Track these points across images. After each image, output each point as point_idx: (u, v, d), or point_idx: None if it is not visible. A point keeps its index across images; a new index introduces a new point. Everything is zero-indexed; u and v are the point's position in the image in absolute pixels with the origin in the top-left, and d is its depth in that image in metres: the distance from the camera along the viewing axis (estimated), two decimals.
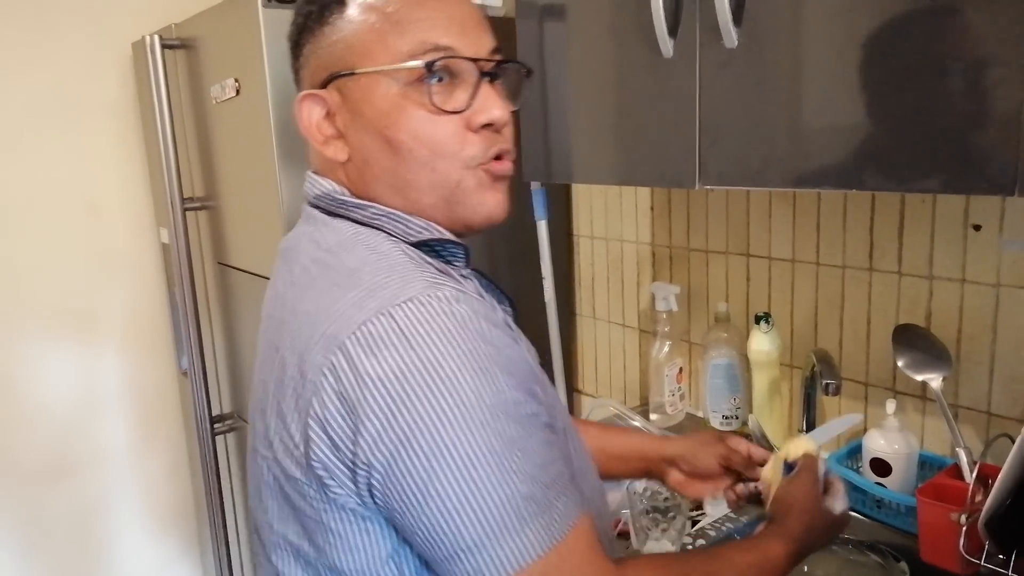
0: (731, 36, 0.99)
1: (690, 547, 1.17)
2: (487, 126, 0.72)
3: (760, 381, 1.41)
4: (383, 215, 0.72)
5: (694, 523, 1.25)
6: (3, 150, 1.84)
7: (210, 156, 1.67)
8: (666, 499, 1.15)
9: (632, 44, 1.13)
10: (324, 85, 0.73)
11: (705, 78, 1.04)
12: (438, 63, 0.69)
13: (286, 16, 1.33)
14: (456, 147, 0.71)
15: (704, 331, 1.55)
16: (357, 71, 0.70)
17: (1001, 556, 0.90)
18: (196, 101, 1.66)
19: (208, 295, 1.84)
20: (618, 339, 1.79)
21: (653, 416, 1.61)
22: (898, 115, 0.85)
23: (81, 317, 1.99)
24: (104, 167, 1.97)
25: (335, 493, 0.64)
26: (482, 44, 0.72)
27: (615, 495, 1.48)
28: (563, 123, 1.29)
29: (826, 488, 0.89)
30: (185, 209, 1.69)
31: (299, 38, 0.76)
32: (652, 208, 1.65)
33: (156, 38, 1.60)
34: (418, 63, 0.69)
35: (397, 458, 0.60)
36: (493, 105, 0.71)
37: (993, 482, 0.91)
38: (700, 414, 1.60)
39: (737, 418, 1.49)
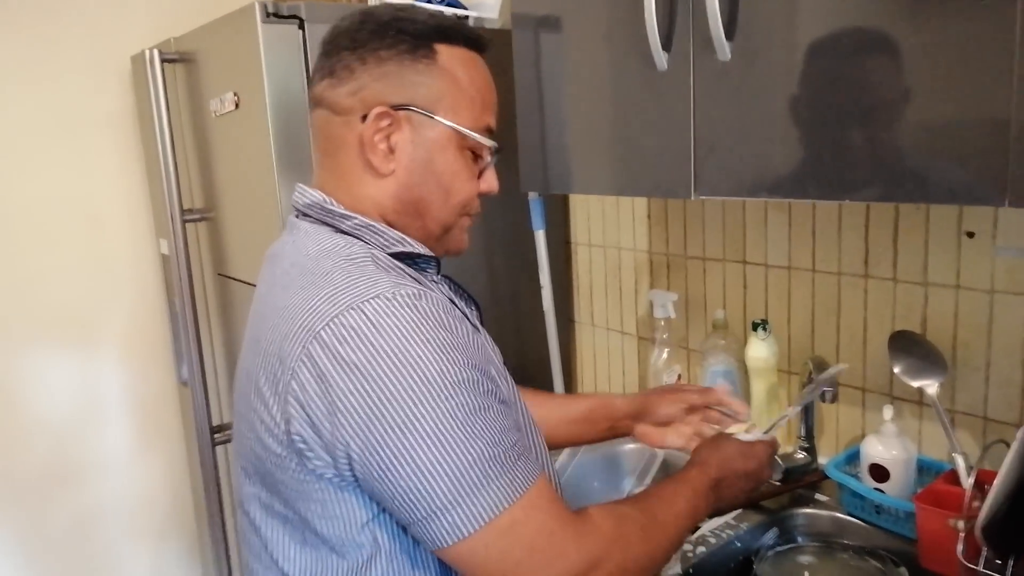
0: (724, 49, 1.00)
1: (690, 554, 1.18)
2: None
3: (758, 388, 1.42)
4: (364, 226, 0.81)
5: (694, 530, 1.25)
6: (5, 162, 1.85)
7: (210, 168, 1.68)
8: None
9: (627, 56, 1.14)
10: (395, 108, 0.80)
11: (699, 90, 1.05)
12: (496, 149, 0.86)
13: (285, 31, 1.37)
14: (469, 202, 0.87)
15: (702, 338, 1.56)
16: (436, 116, 0.81)
17: (998, 561, 0.91)
18: (195, 114, 1.67)
19: (208, 306, 1.85)
20: (616, 346, 1.80)
21: None
22: (891, 126, 0.86)
23: (82, 327, 2.00)
24: (104, 179, 1.98)
25: (314, 465, 0.73)
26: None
27: None
28: (560, 134, 1.30)
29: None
30: (185, 220, 1.70)
31: (377, 55, 0.81)
32: (649, 216, 1.66)
33: (156, 52, 1.60)
34: (492, 144, 0.85)
35: (372, 431, 0.68)
36: (495, 181, 0.88)
37: (990, 487, 0.91)
38: None
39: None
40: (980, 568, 0.91)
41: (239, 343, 1.71)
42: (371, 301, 0.70)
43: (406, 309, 0.70)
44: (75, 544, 2.06)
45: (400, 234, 0.82)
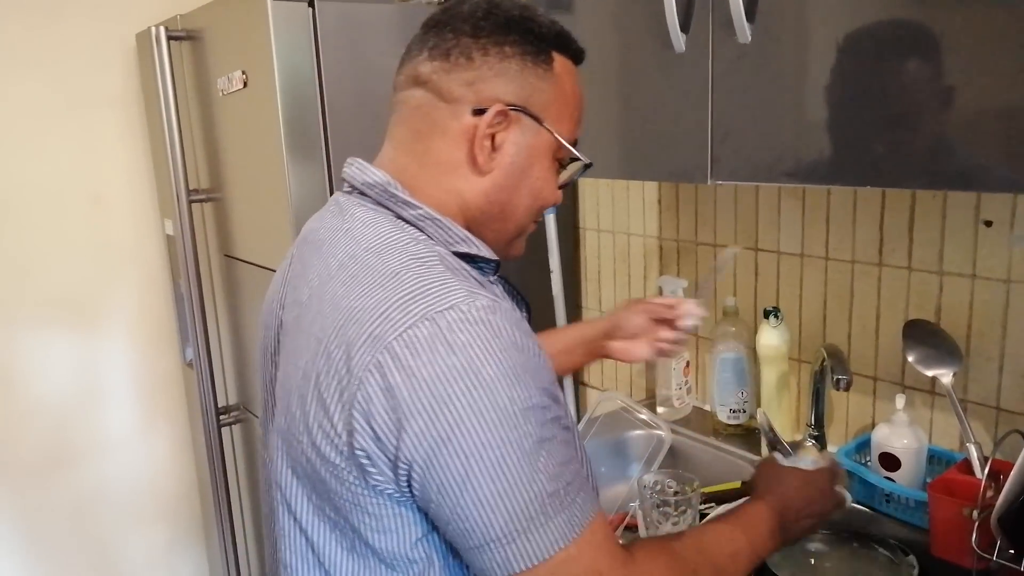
0: (744, 31, 0.98)
1: None
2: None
3: (768, 376, 1.41)
4: (429, 219, 0.77)
5: (703, 516, 1.25)
6: (8, 142, 1.84)
7: (216, 148, 1.67)
8: (676, 492, 1.16)
9: (643, 38, 1.13)
10: (509, 107, 0.78)
11: (718, 73, 1.04)
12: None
13: (295, 9, 1.35)
14: (542, 211, 0.86)
15: (712, 325, 1.55)
16: (545, 124, 0.80)
17: (1012, 551, 0.91)
18: (202, 93, 1.65)
19: (214, 287, 1.84)
20: None
21: (660, 409, 1.61)
22: (912, 111, 0.85)
23: (86, 308, 1.99)
24: (108, 159, 1.96)
25: (375, 480, 0.70)
26: None
27: (623, 488, 1.49)
28: None
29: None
30: (191, 201, 1.69)
31: (502, 49, 0.78)
32: (659, 201, 1.64)
33: (162, 29, 1.59)
34: (587, 160, 0.84)
35: (437, 453, 0.66)
36: (561, 194, 0.87)
37: (1004, 478, 0.91)
38: (707, 407, 1.60)
39: (744, 411, 1.49)
40: (994, 558, 0.91)
41: (246, 324, 1.72)
42: (446, 313, 0.67)
43: (480, 325, 0.67)
44: (79, 526, 2.06)
45: (466, 233, 0.79)
